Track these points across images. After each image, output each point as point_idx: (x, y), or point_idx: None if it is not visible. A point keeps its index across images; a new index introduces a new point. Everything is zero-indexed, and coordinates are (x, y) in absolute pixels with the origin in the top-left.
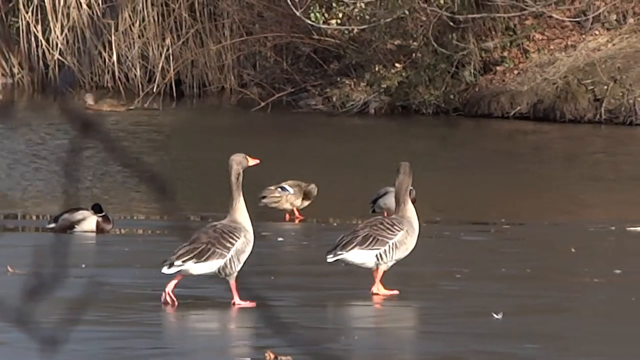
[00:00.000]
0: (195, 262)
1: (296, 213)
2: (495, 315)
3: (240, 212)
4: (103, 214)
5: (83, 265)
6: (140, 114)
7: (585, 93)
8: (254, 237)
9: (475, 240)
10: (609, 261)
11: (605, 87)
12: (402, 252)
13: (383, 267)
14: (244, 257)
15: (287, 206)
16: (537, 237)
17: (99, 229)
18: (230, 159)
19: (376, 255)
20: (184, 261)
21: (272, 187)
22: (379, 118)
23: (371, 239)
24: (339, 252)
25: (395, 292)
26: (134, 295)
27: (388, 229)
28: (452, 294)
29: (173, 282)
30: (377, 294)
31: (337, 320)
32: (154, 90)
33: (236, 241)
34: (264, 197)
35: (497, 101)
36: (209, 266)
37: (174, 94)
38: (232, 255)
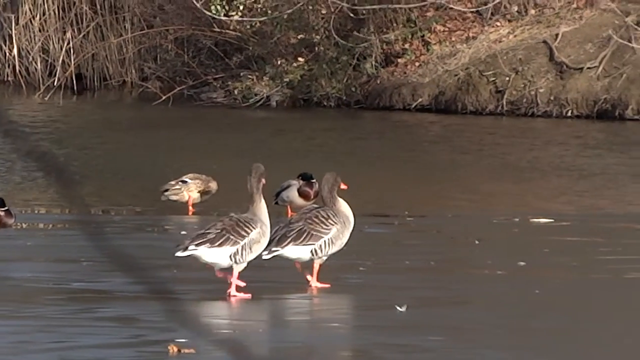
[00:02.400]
0: (209, 247)
1: (190, 208)
2: (398, 308)
3: (261, 208)
4: (5, 208)
5: None
6: (41, 107)
7: (487, 84)
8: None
9: (379, 232)
10: (513, 253)
11: (507, 78)
12: (337, 247)
13: (318, 261)
14: (257, 249)
15: (191, 197)
16: (440, 229)
17: (1, 223)
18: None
19: (311, 251)
20: (197, 245)
21: (173, 182)
22: (281, 111)
23: (305, 234)
24: (274, 249)
25: (328, 285)
26: (37, 289)
27: (322, 222)
28: (356, 286)
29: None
30: (314, 287)
31: (240, 313)
32: (55, 84)
33: (251, 231)
34: (165, 191)
35: (399, 93)
36: (221, 252)
37: (75, 88)
38: (245, 244)
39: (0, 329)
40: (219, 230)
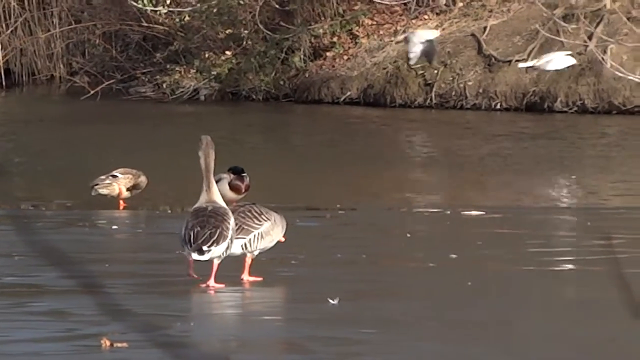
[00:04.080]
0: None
1: (121, 202)
2: (331, 301)
3: (216, 194)
4: None
5: None
6: None
7: (416, 77)
8: None
9: (310, 225)
10: (445, 246)
11: (436, 71)
12: (268, 242)
13: (250, 256)
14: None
15: (122, 191)
16: (372, 222)
17: None
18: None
19: (242, 245)
20: (209, 246)
21: (103, 176)
22: (209, 105)
23: (237, 227)
24: (201, 250)
25: (260, 278)
26: None
27: (255, 217)
28: (287, 280)
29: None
30: (246, 280)
31: (172, 307)
32: None
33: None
34: (95, 185)
35: (328, 87)
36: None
37: (3, 83)
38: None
39: None
40: (217, 226)
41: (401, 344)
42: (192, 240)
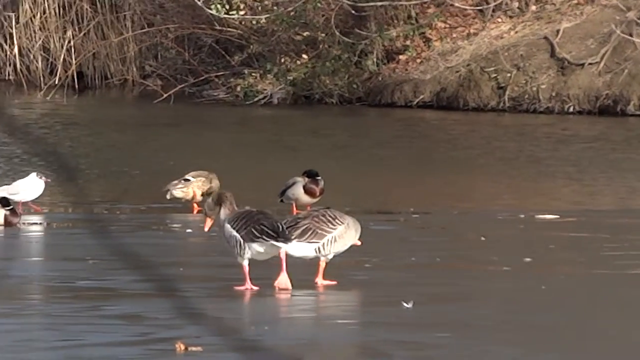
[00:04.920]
0: (298, 241)
1: (195, 206)
2: (405, 304)
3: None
4: (10, 207)
5: None
6: (42, 106)
7: (489, 81)
8: None
9: (385, 229)
10: (519, 249)
11: (508, 74)
12: (341, 246)
13: (324, 259)
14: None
15: (196, 195)
16: (446, 225)
17: (7, 223)
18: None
19: (315, 249)
20: (286, 240)
21: (176, 181)
22: (283, 108)
23: (310, 232)
24: (291, 239)
25: (334, 282)
26: (43, 287)
27: (330, 222)
28: (361, 283)
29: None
30: (320, 284)
31: (246, 311)
32: (56, 82)
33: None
34: (170, 189)
35: (401, 90)
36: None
37: (76, 86)
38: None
39: (6, 327)
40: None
41: (475, 348)
42: (278, 231)
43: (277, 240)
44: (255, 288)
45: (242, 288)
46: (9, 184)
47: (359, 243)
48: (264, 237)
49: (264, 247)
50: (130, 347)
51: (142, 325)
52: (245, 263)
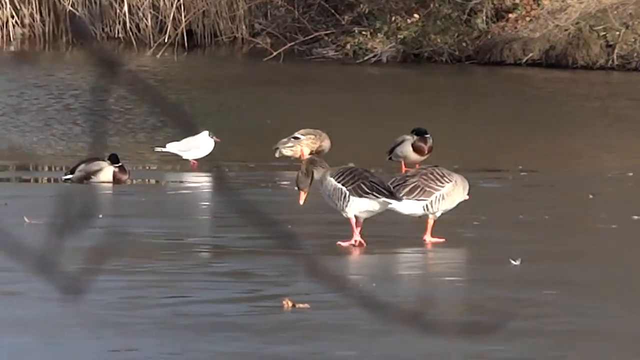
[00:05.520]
0: (406, 199)
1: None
2: (513, 262)
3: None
4: (120, 164)
5: (100, 216)
6: (153, 64)
7: (597, 39)
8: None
9: (493, 187)
10: (627, 207)
11: (617, 33)
12: (449, 204)
13: (432, 217)
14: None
15: (304, 153)
16: (554, 183)
17: (116, 179)
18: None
19: (423, 207)
20: (398, 197)
21: (285, 139)
22: (393, 67)
23: (418, 189)
24: (401, 198)
25: (442, 239)
26: (151, 244)
27: (438, 179)
28: (469, 241)
29: (358, 228)
30: (428, 241)
31: (354, 268)
32: (166, 40)
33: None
34: (279, 147)
35: (510, 48)
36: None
37: (186, 44)
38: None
39: (114, 284)
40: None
41: (583, 305)
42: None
43: (390, 197)
44: (362, 242)
45: (348, 243)
46: (178, 141)
47: (467, 197)
48: (374, 193)
49: (371, 204)
50: (238, 304)
51: (249, 282)
52: (352, 215)
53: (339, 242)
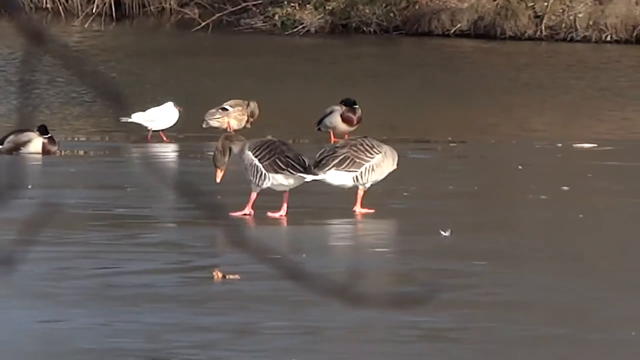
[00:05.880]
0: (336, 170)
1: (230, 130)
2: (443, 233)
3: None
4: (49, 135)
5: (29, 187)
6: (80, 34)
7: (526, 10)
8: None
9: (422, 158)
10: (556, 178)
11: (546, 3)
12: (379, 175)
13: (362, 188)
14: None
15: (230, 125)
16: (483, 154)
17: (45, 151)
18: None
19: (353, 178)
20: (325, 171)
21: (213, 110)
22: (321, 37)
23: (348, 160)
24: (317, 173)
25: (372, 210)
26: (80, 215)
27: (367, 151)
28: (399, 212)
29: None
30: (358, 212)
31: (285, 239)
32: (94, 10)
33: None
34: (207, 118)
35: (438, 18)
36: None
37: (114, 15)
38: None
39: (43, 254)
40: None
41: (512, 276)
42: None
43: (305, 173)
44: (252, 213)
45: (239, 214)
46: (143, 111)
47: (396, 168)
48: (289, 169)
49: (287, 180)
50: (168, 275)
51: (179, 253)
52: (257, 191)
53: (268, 213)
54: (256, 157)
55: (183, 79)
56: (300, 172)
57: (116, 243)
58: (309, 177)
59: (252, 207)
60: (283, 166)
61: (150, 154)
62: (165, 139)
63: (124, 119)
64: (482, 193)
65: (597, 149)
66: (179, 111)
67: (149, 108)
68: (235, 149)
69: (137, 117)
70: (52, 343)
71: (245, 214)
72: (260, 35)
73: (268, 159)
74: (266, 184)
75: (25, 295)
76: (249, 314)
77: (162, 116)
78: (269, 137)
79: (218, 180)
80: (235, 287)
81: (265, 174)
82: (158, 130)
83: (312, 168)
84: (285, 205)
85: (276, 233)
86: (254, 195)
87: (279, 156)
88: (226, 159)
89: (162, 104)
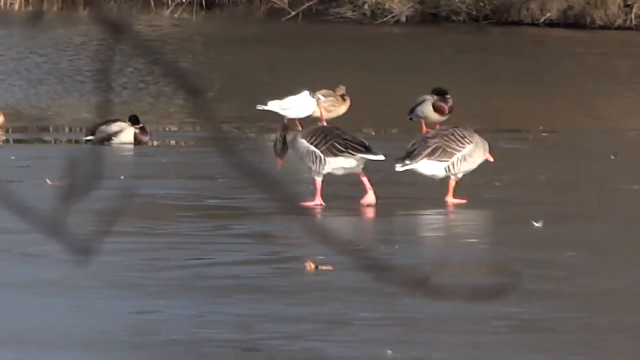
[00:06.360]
0: (428, 160)
1: (324, 123)
2: (535, 223)
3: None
4: (140, 125)
5: (121, 177)
6: (170, 23)
7: None
8: None
9: (514, 148)
10: None
11: None
12: (470, 165)
13: (453, 178)
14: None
15: (323, 113)
16: (575, 144)
17: (137, 141)
18: None
19: (444, 168)
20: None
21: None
22: (410, 26)
23: (440, 150)
24: (408, 162)
25: (464, 201)
26: (171, 206)
27: (459, 140)
28: (491, 202)
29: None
30: (450, 203)
31: (377, 230)
32: (184, 0)
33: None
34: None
35: (527, 8)
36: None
37: (203, 3)
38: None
39: (135, 245)
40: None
41: (604, 267)
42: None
43: (366, 153)
44: (323, 204)
45: (311, 204)
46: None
47: (491, 159)
48: (349, 150)
49: (348, 161)
50: (260, 266)
51: (271, 245)
52: (320, 179)
53: (301, 203)
54: (311, 143)
55: (269, 68)
56: (362, 152)
57: (207, 234)
58: (370, 157)
59: (321, 197)
60: (342, 148)
61: (239, 144)
62: (299, 127)
63: (260, 107)
64: (574, 183)
65: None
66: (317, 100)
67: (285, 97)
68: (289, 137)
69: (273, 105)
70: (143, 333)
71: (315, 204)
72: (349, 25)
73: (325, 143)
74: (327, 169)
75: (116, 286)
76: (341, 305)
77: (298, 105)
78: (321, 124)
79: (279, 167)
80: (327, 279)
81: (324, 158)
82: (294, 119)
83: (372, 148)
84: (318, 196)
85: (368, 223)
86: (318, 184)
87: (336, 139)
88: (283, 148)
89: (298, 93)
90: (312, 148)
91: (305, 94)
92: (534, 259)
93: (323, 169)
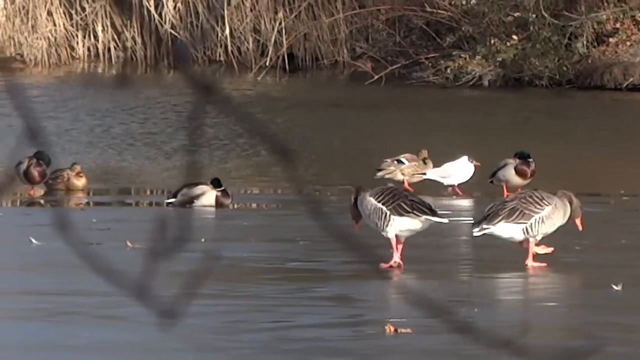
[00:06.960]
0: (505, 222)
1: (406, 187)
2: (614, 287)
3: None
4: (222, 188)
5: (203, 240)
6: (253, 86)
7: None
8: None
9: (594, 211)
10: None
11: None
12: (549, 227)
13: (532, 241)
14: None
15: (406, 179)
16: None
17: (218, 204)
18: None
19: (523, 230)
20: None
21: (389, 160)
22: (493, 90)
23: (517, 212)
24: (486, 226)
25: (544, 264)
26: (253, 268)
27: (537, 202)
28: (571, 265)
29: (399, 247)
30: (530, 266)
31: (456, 292)
32: (267, 63)
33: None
34: (380, 170)
35: (610, 72)
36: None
37: (287, 67)
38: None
39: (216, 308)
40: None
41: None
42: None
43: (432, 216)
44: (401, 263)
45: (390, 263)
46: (438, 167)
47: (580, 227)
48: (415, 212)
49: (413, 223)
50: (340, 329)
51: (351, 307)
52: (392, 235)
53: (381, 264)
54: (379, 201)
55: (352, 131)
56: (427, 214)
57: (288, 296)
58: (436, 219)
59: (401, 254)
60: (409, 209)
61: (321, 207)
62: (459, 193)
63: (420, 176)
64: None
65: None
66: (476, 166)
67: (443, 163)
68: (359, 197)
69: (431, 174)
70: None
71: (394, 262)
72: (432, 88)
73: (392, 202)
74: (392, 229)
75: (198, 348)
76: None
77: (457, 171)
78: (390, 185)
79: (356, 229)
80: (407, 341)
81: (390, 216)
82: (453, 185)
83: (437, 212)
84: (396, 254)
85: (447, 286)
86: (393, 242)
87: (403, 200)
88: (356, 210)
89: (456, 159)
90: (380, 205)
91: (464, 159)
92: (614, 322)
93: (388, 227)
